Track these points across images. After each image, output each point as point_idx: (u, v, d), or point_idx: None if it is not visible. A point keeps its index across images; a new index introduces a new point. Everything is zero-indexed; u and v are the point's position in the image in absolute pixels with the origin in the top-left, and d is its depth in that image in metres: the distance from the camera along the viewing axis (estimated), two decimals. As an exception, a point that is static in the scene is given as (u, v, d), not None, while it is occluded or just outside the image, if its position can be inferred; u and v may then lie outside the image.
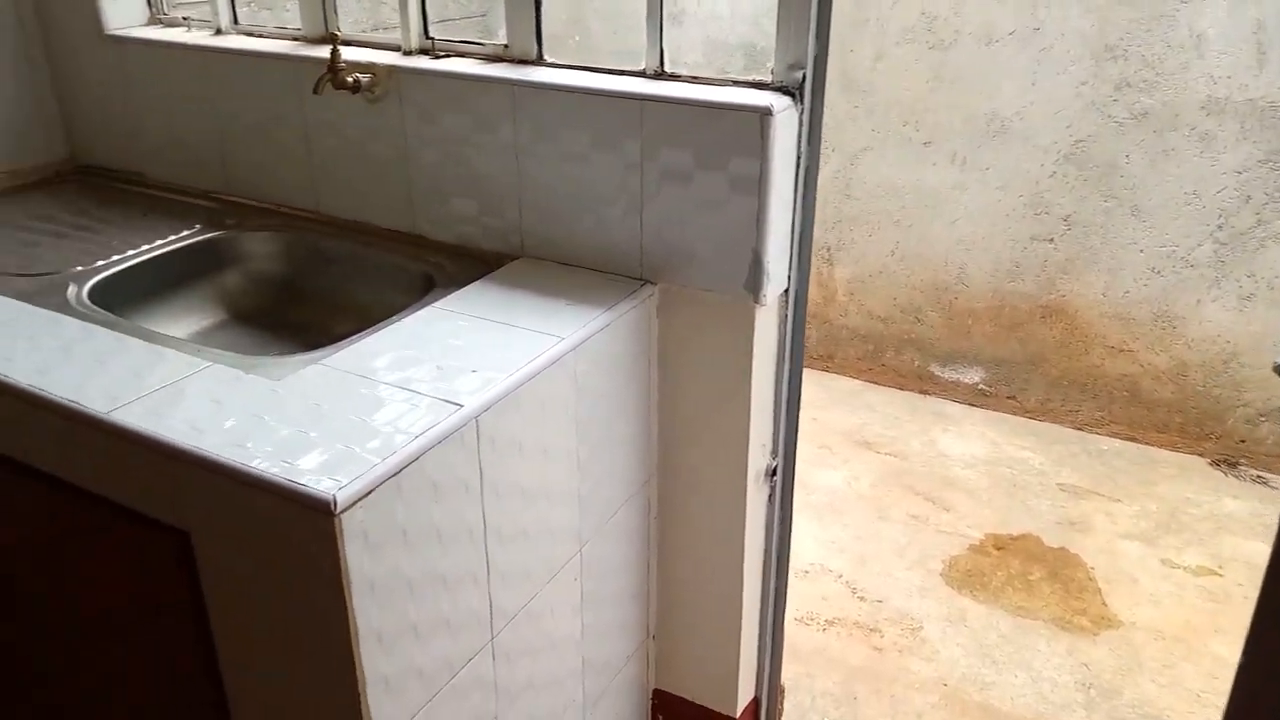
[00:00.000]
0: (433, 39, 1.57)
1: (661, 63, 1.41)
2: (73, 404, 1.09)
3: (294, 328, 1.63)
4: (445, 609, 1.13)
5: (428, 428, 1.06)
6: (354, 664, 1.00)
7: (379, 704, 1.04)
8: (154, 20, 1.88)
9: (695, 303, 1.42)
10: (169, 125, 1.83)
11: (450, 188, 1.56)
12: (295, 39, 1.71)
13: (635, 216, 1.41)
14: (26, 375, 1.14)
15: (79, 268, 1.50)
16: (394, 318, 1.35)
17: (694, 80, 1.38)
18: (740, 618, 1.61)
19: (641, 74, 1.42)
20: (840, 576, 2.36)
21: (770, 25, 1.31)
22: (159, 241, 1.61)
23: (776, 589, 1.67)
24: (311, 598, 0.99)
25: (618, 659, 1.61)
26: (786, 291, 1.43)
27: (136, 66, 1.82)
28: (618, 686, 1.63)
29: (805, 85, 1.32)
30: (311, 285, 1.67)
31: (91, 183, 1.94)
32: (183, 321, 1.56)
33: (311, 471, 0.97)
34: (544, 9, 1.47)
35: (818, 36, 1.30)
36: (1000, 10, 2.73)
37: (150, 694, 1.25)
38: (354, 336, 1.29)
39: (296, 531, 0.96)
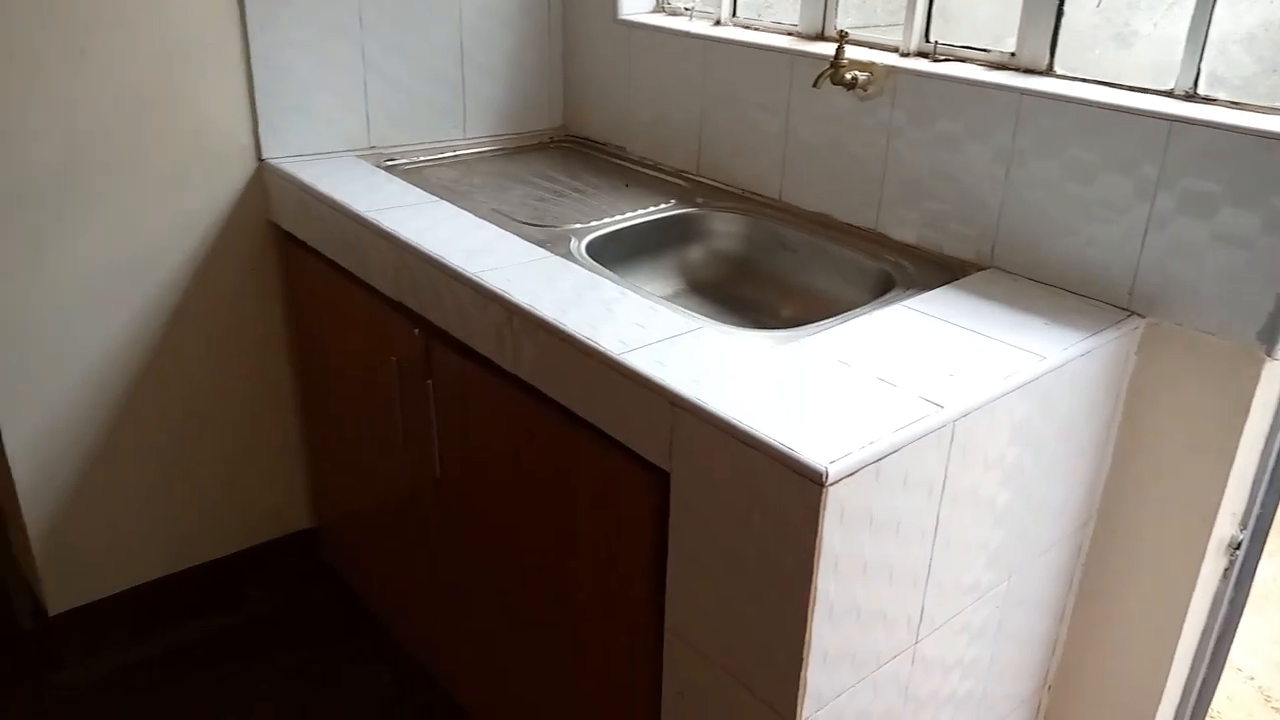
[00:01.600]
0: (934, 42, 1.57)
1: (1196, 83, 1.30)
2: (590, 342, 1.22)
3: (743, 304, 1.71)
4: (885, 602, 1.14)
5: (909, 422, 1.07)
6: (804, 630, 1.04)
7: (815, 675, 1.08)
8: (659, 8, 2.06)
9: (1188, 344, 1.31)
10: (657, 106, 2.00)
11: (925, 190, 1.56)
12: (790, 33, 1.79)
13: (1136, 243, 1.32)
14: (551, 312, 1.30)
15: (577, 224, 1.69)
16: (859, 310, 1.38)
17: (1233, 105, 1.27)
18: (1159, 695, 1.47)
19: (1169, 94, 1.32)
20: (1252, 678, 2.08)
21: (1240, 53, 1.18)
22: (640, 211, 1.77)
23: (1206, 675, 1.50)
24: (779, 558, 1.04)
25: (1011, 700, 1.54)
26: (1304, 349, 1.27)
27: (638, 50, 2.01)
28: (1005, 727, 1.56)
29: (1383, 121, 1.16)
30: (764, 267, 1.74)
31: (580, 150, 2.17)
32: (652, 284, 1.70)
33: (803, 441, 1.01)
34: (1064, 19, 1.42)
35: None
36: None
37: (594, 615, 1.38)
38: (824, 322, 1.33)
39: (782, 494, 1.01)
